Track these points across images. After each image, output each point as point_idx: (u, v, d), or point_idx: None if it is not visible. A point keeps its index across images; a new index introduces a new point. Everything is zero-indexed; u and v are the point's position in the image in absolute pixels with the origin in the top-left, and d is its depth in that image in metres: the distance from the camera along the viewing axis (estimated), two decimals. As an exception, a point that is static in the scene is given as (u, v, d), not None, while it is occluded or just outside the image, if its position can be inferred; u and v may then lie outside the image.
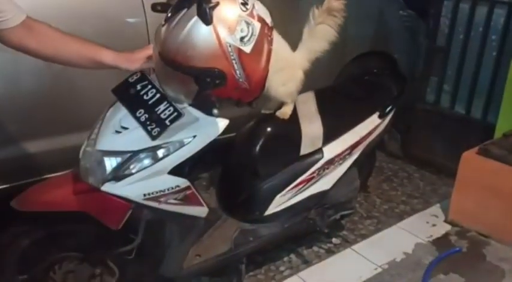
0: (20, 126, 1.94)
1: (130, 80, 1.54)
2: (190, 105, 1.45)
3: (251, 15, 1.23)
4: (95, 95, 2.04)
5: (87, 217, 1.52)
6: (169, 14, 1.24)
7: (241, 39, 1.20)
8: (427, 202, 2.81)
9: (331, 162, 2.00)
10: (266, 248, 2.11)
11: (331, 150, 1.99)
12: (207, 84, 1.21)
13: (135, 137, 1.45)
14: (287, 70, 1.68)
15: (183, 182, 1.52)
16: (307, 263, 2.21)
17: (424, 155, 3.20)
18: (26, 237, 1.58)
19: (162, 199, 1.51)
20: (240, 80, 1.23)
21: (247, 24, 1.20)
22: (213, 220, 1.91)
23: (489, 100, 2.90)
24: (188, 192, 1.55)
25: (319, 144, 1.96)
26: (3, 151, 1.91)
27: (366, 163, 2.40)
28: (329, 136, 1.98)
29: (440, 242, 2.26)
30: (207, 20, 1.16)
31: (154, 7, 2.10)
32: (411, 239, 2.29)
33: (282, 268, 2.19)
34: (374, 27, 3.04)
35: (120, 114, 1.50)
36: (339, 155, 2.01)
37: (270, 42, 1.28)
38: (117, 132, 1.48)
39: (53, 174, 1.89)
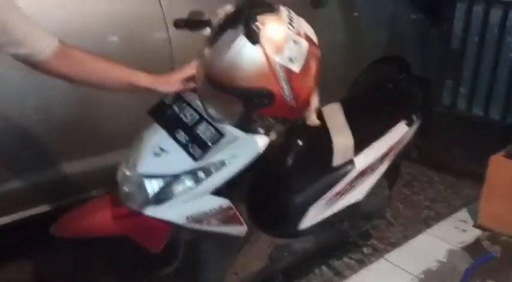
0: (52, 149, 1.93)
1: (166, 101, 1.53)
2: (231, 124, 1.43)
3: (298, 33, 1.21)
4: (124, 114, 2.06)
5: (127, 240, 1.50)
6: (213, 35, 1.22)
7: (290, 58, 1.18)
8: (451, 206, 2.79)
9: (363, 172, 1.98)
10: (298, 262, 2.09)
11: (362, 161, 1.97)
12: (255, 105, 1.19)
13: (176, 159, 1.43)
14: None
15: (225, 202, 1.50)
16: (339, 274, 2.19)
17: (442, 158, 3.19)
18: (66, 262, 1.56)
19: (204, 220, 1.49)
20: (288, 99, 1.22)
21: (295, 43, 1.19)
22: (247, 237, 1.89)
23: (508, 101, 2.90)
24: (230, 212, 1.53)
25: (351, 155, 1.94)
26: (37, 174, 1.90)
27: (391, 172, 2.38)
28: (359, 146, 1.96)
29: (473, 248, 2.24)
30: (255, 39, 1.15)
31: (177, 24, 2.09)
32: (443, 246, 2.27)
33: (314, 281, 2.17)
34: (388, 33, 3.04)
35: (158, 136, 1.48)
36: (370, 165, 1.99)
37: (318, 61, 1.27)
38: (157, 154, 1.46)
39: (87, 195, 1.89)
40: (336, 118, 1.98)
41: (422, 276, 2.06)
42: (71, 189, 2.03)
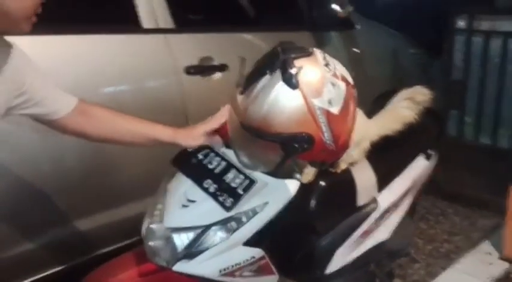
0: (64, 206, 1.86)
1: (189, 149, 1.48)
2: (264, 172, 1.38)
3: (335, 75, 1.19)
4: (136, 165, 2.01)
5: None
6: (245, 82, 1.19)
7: (329, 100, 1.15)
8: (469, 238, 2.74)
9: (387, 210, 1.93)
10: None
11: (386, 198, 1.92)
12: (295, 150, 1.16)
13: (206, 210, 1.37)
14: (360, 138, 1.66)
15: (258, 252, 1.44)
16: (369, 318, 2.09)
17: (454, 189, 3.16)
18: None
19: (237, 273, 1.42)
20: (328, 142, 1.18)
21: (333, 85, 1.17)
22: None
23: (515, 128, 2.90)
24: (262, 262, 1.46)
25: (375, 193, 1.89)
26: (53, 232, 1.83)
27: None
28: (382, 184, 1.92)
29: (503, 282, 2.18)
30: (294, 84, 1.12)
31: (188, 70, 2.08)
32: (472, 282, 2.21)
33: (343, 327, 2.07)
34: (390, 68, 3.07)
35: (185, 187, 1.43)
36: (393, 202, 1.94)
37: (355, 102, 1.24)
38: (184, 206, 1.40)
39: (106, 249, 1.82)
40: (355, 156, 1.94)
41: (458, 315, 1.99)
42: (85, 247, 1.96)
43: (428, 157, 2.09)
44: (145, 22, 2.02)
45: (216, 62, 2.16)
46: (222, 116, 1.36)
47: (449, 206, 3.15)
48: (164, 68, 2.06)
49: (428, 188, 3.23)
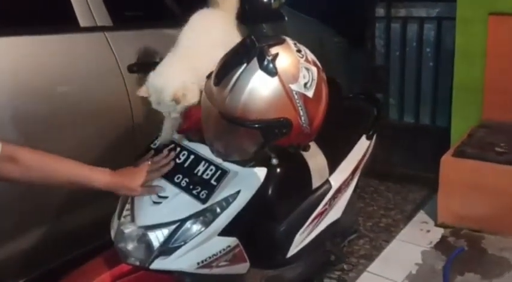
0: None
1: (152, 146, 1.47)
2: (227, 160, 1.40)
3: (307, 60, 1.24)
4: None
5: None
6: (219, 73, 1.20)
7: (305, 84, 1.20)
8: (403, 211, 2.94)
9: (338, 190, 2.03)
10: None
11: (336, 179, 2.02)
12: (275, 135, 1.19)
13: (179, 204, 1.37)
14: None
15: (233, 241, 1.46)
16: (325, 296, 2.20)
17: (383, 168, 3.36)
18: None
19: (214, 264, 1.43)
20: (304, 125, 1.23)
21: (307, 70, 1.21)
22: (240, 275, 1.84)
23: (435, 106, 3.15)
24: (237, 250, 1.49)
25: (327, 175, 1.98)
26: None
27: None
28: (332, 166, 2.01)
29: (442, 246, 2.37)
30: (273, 71, 1.15)
31: (130, 68, 2.04)
32: (415, 249, 2.37)
33: (306, 310, 2.15)
34: (317, 56, 3.18)
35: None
36: (344, 181, 2.05)
37: (326, 84, 1.30)
38: (156, 203, 1.39)
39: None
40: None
41: (407, 281, 2.14)
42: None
43: (369, 137, 2.23)
44: (82, 20, 1.94)
45: (158, 59, 2.12)
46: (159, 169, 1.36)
47: (381, 183, 3.34)
48: (106, 67, 1.99)
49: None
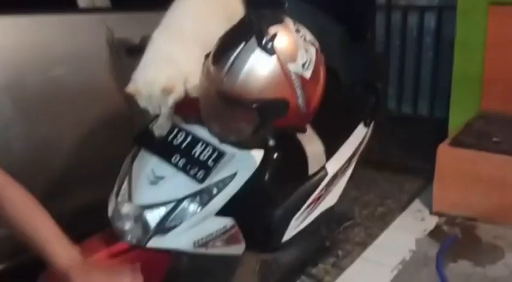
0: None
1: (151, 126, 1.48)
2: (224, 141, 1.41)
3: (306, 41, 1.25)
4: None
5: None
6: (217, 52, 1.21)
7: (303, 65, 1.21)
8: (399, 200, 2.96)
9: (334, 176, 2.04)
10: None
11: (333, 166, 2.03)
12: (272, 116, 1.20)
13: (176, 184, 1.38)
14: None
15: (229, 222, 1.48)
16: (320, 281, 2.22)
17: (379, 158, 3.38)
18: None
19: (210, 243, 1.45)
20: (301, 106, 1.24)
21: (306, 50, 1.22)
22: (237, 258, 1.86)
23: (433, 97, 3.15)
24: (233, 231, 1.51)
25: (323, 162, 2.00)
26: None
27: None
28: (329, 152, 2.03)
29: (436, 234, 2.40)
30: (271, 50, 1.15)
31: (129, 51, 2.04)
32: (409, 237, 2.40)
33: (300, 292, 2.18)
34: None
35: (151, 164, 1.42)
36: (340, 168, 2.06)
37: (323, 66, 1.30)
38: (153, 183, 1.40)
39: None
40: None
41: (400, 266, 2.16)
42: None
43: (367, 125, 2.24)
44: (81, 0, 1.94)
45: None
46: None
47: (378, 173, 3.35)
48: (104, 49, 1.99)
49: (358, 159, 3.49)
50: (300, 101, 1.23)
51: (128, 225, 1.39)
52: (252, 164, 1.46)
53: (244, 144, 1.44)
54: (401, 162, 3.30)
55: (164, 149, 1.43)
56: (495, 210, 2.37)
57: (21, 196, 1.08)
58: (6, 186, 1.06)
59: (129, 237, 1.39)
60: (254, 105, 1.18)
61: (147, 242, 1.37)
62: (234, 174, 1.43)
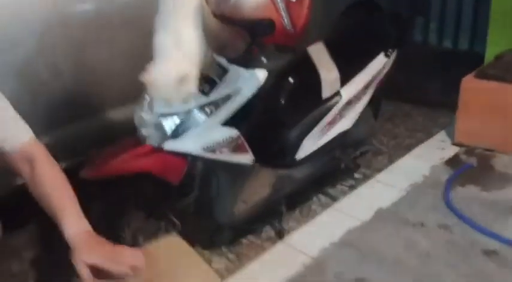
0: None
1: None
2: (232, 61, 1.61)
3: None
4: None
5: (149, 177, 1.69)
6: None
7: (288, -11, 1.37)
8: (430, 133, 3.02)
9: (349, 102, 2.19)
10: (297, 191, 2.29)
11: (348, 92, 2.18)
12: (259, 33, 1.38)
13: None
14: None
15: (234, 133, 1.70)
16: (336, 200, 2.42)
17: (418, 93, 3.43)
18: (97, 202, 1.74)
19: (217, 150, 1.69)
20: (288, 27, 1.41)
21: (291, -25, 1.38)
22: (251, 170, 2.08)
23: (474, 32, 3.11)
24: (239, 141, 1.73)
25: (338, 87, 2.15)
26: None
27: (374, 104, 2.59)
28: (345, 79, 2.17)
29: (453, 162, 2.50)
30: None
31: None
32: (426, 163, 2.51)
33: (313, 207, 2.39)
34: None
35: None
36: (355, 94, 2.20)
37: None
38: (169, 96, 1.64)
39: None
40: (321, 55, 2.17)
41: (409, 188, 2.31)
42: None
43: (387, 55, 2.33)
44: None
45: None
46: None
47: (414, 108, 3.40)
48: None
49: (392, 93, 3.54)
50: (286, 22, 1.40)
51: (149, 130, 1.66)
52: (256, 82, 1.66)
53: (250, 64, 1.64)
54: (438, 98, 3.33)
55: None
56: (513, 141, 2.41)
57: (51, 173, 1.22)
58: (39, 163, 1.21)
59: (150, 140, 1.66)
60: (243, 24, 1.36)
61: (163, 145, 1.64)
62: (238, 90, 1.64)
